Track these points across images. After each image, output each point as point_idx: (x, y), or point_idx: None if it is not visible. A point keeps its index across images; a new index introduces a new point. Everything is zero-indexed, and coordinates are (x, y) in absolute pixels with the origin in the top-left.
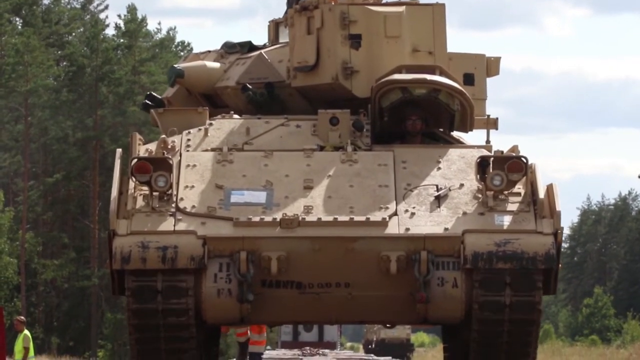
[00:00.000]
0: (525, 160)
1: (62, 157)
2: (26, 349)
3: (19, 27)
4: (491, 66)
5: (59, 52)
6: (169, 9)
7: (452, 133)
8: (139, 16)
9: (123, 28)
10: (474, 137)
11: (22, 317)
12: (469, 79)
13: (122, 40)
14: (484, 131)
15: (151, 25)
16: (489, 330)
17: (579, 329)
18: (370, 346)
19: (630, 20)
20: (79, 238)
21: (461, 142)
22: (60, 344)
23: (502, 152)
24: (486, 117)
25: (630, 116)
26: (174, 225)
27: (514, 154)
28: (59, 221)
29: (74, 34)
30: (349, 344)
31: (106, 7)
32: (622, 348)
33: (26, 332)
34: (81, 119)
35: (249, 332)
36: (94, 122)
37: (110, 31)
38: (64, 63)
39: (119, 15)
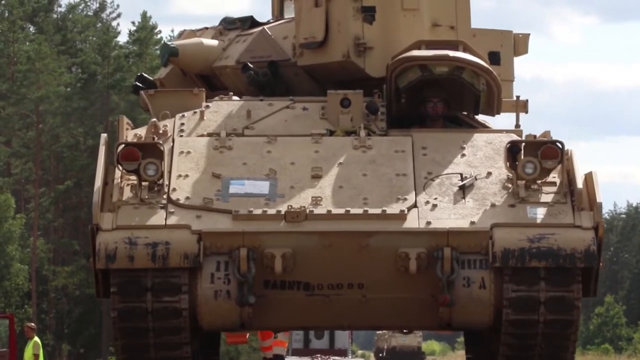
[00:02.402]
0: (561, 146)
1: (74, 164)
2: (36, 356)
3: (32, 34)
4: (519, 44)
5: (72, 59)
6: (180, 16)
7: (476, 117)
8: (150, 24)
9: (135, 35)
10: (501, 122)
11: (32, 324)
12: (494, 58)
13: (133, 48)
14: (510, 117)
15: (165, 33)
16: (521, 337)
17: (591, 337)
18: (381, 354)
19: (639, 28)
20: (90, 245)
21: (487, 127)
22: (71, 351)
23: (534, 136)
24: (515, 98)
25: (639, 124)
26: (166, 219)
27: (548, 139)
28: (69, 228)
29: (87, 41)
30: (360, 352)
31: (119, 15)
32: (634, 357)
33: (36, 339)
34: (92, 126)
35: (272, 346)
36: (105, 130)
37: (123, 38)
38: (77, 70)
39: (133, 22)
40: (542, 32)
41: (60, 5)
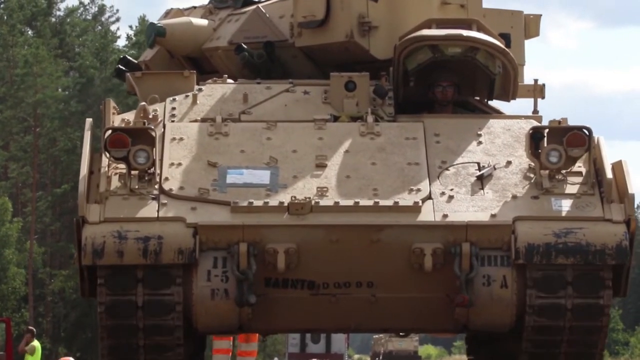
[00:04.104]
0: (588, 132)
1: (71, 168)
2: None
3: (30, 38)
4: (530, 25)
5: (69, 63)
6: None
7: (489, 102)
8: None
9: (134, 39)
10: (513, 109)
11: (32, 328)
12: (504, 40)
13: (131, 52)
14: (524, 103)
15: None
16: (545, 341)
17: None
18: (377, 358)
19: (634, 33)
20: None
21: (501, 113)
22: (68, 354)
23: (559, 122)
24: (533, 82)
25: (634, 129)
26: (158, 211)
27: (574, 125)
28: (66, 232)
29: (85, 45)
30: (356, 356)
31: (117, 20)
32: None
33: (35, 343)
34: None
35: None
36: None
37: (121, 42)
38: (74, 74)
39: (131, 26)
40: (538, 37)
41: (59, 9)
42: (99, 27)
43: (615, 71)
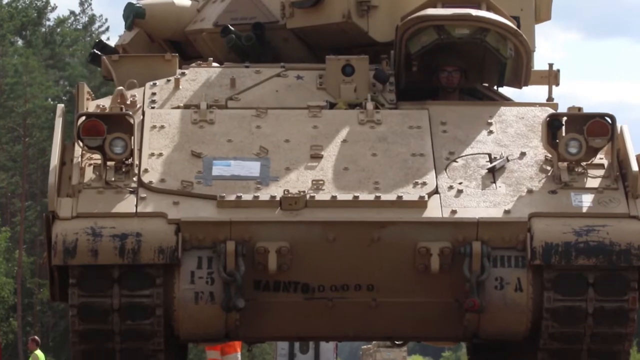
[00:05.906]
0: (610, 121)
1: None
2: None
3: (20, 48)
4: (541, 8)
5: (59, 73)
6: None
7: (499, 89)
8: None
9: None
10: (524, 97)
11: (37, 338)
12: None
13: None
14: (536, 90)
15: None
16: (563, 350)
17: None
18: None
19: (621, 45)
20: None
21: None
22: None
23: (578, 109)
24: (548, 66)
25: None
26: (136, 206)
27: (595, 112)
28: None
29: (75, 55)
30: None
31: (107, 29)
32: None
33: (37, 352)
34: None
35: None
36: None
37: None
38: (64, 83)
39: (120, 36)
40: None
41: (49, 19)
42: (89, 38)
43: (603, 83)
